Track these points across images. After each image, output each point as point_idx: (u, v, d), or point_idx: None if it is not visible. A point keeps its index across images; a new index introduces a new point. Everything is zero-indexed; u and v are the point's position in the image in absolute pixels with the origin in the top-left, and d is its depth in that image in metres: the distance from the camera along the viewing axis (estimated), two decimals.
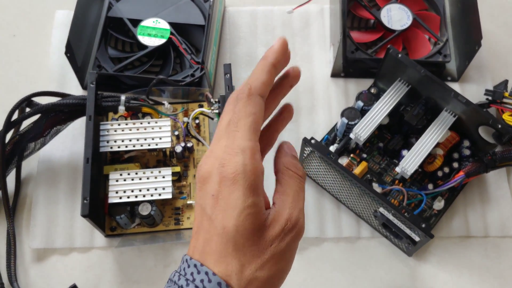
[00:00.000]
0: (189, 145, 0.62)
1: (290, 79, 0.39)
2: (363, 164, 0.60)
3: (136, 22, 0.68)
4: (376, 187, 0.60)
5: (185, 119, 0.63)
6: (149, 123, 0.59)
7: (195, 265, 0.32)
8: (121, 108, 0.59)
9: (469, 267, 0.60)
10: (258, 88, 0.35)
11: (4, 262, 0.58)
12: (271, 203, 0.36)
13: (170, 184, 0.57)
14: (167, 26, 0.67)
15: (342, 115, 0.61)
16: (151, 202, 0.57)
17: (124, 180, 0.57)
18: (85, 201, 0.52)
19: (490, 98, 0.65)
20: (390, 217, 0.55)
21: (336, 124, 0.65)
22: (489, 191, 0.63)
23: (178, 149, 0.61)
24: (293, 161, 0.37)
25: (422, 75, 0.59)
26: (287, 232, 0.34)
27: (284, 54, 0.37)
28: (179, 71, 0.67)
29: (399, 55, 0.59)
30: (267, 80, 0.36)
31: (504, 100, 0.64)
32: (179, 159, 0.63)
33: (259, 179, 0.33)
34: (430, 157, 0.60)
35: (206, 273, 0.31)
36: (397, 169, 0.58)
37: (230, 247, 0.32)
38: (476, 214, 0.62)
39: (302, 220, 0.35)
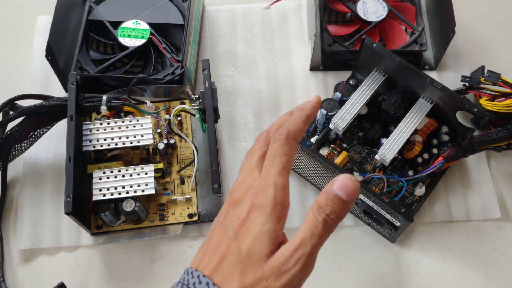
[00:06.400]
0: (171, 142, 0.63)
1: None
2: (344, 154, 0.61)
3: (116, 24, 0.69)
4: (357, 175, 0.61)
5: (167, 116, 0.64)
6: (130, 121, 0.60)
7: (207, 283, 0.34)
8: (103, 108, 0.60)
9: (453, 251, 0.60)
10: (295, 133, 0.40)
11: None
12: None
13: (152, 180, 0.58)
14: (147, 27, 0.68)
15: (321, 106, 0.62)
16: (134, 198, 0.57)
17: (107, 178, 0.58)
18: (68, 199, 0.53)
19: (467, 84, 0.65)
20: (371, 203, 0.56)
21: (316, 116, 0.65)
22: (470, 175, 0.64)
23: (161, 146, 0.62)
24: (321, 203, 0.36)
25: (397, 64, 0.59)
26: (283, 272, 0.34)
27: (317, 109, 0.43)
28: (160, 70, 0.68)
29: (374, 45, 0.60)
30: (303, 128, 0.41)
31: (481, 85, 0.64)
32: (162, 156, 0.63)
33: (283, 212, 0.36)
34: (410, 144, 0.61)
35: None
36: (377, 156, 0.59)
37: (239, 269, 0.34)
38: (458, 199, 0.63)
39: (302, 265, 0.34)
